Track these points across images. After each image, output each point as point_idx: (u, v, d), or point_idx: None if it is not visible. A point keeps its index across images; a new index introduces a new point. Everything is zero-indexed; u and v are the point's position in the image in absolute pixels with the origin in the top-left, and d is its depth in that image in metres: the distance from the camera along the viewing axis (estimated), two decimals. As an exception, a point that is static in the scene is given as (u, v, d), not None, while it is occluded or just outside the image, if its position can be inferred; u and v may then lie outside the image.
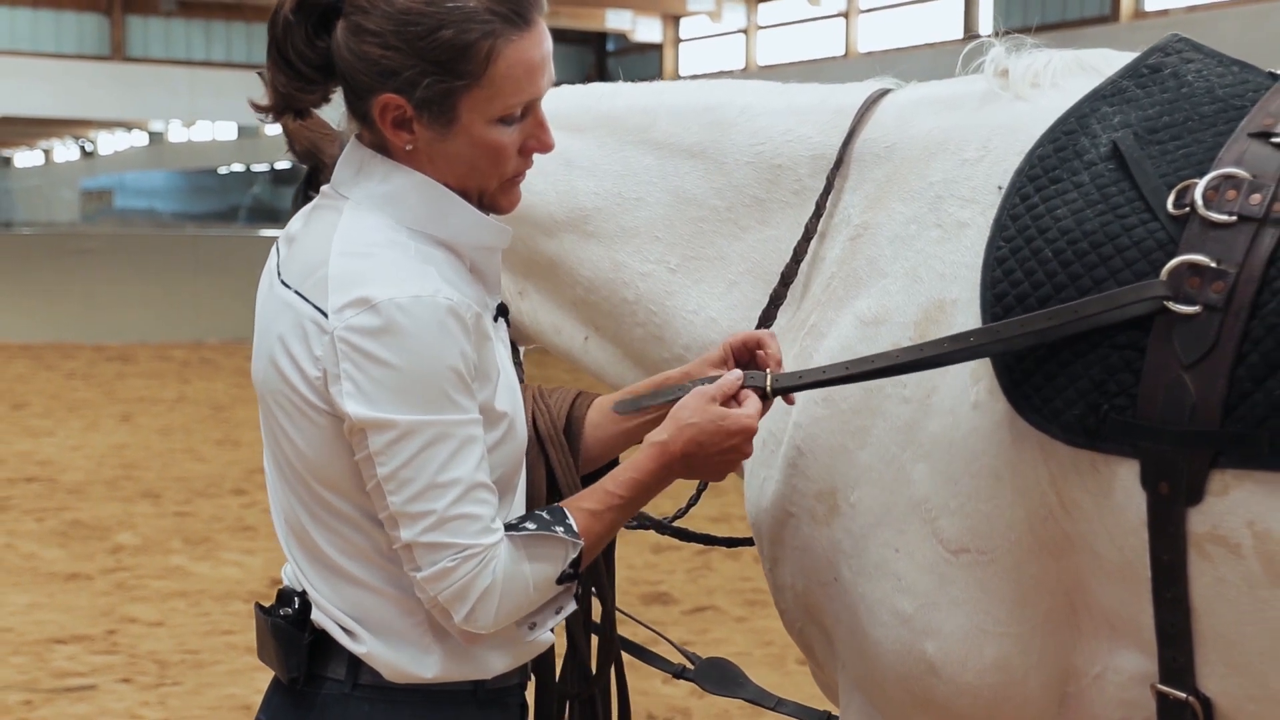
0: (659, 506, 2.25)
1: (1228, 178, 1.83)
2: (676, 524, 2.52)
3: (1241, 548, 1.76)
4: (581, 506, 1.88)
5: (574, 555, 1.84)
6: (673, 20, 27.33)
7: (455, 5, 1.76)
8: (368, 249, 1.80)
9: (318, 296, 1.78)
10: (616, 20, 26.44)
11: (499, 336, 1.92)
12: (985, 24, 20.49)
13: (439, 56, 1.77)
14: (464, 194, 1.87)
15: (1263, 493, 1.74)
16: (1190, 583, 1.80)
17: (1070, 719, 1.97)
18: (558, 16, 23.24)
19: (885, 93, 2.31)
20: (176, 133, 41.17)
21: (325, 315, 1.76)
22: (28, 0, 27.46)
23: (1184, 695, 1.84)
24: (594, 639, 2.27)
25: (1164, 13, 18.24)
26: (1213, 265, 1.78)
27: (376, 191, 1.85)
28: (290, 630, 1.88)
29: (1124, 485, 1.81)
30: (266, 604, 1.93)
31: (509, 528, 1.82)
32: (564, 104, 2.53)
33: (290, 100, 1.88)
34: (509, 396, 1.88)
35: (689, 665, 2.57)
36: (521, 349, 2.58)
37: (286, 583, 1.93)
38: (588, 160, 2.50)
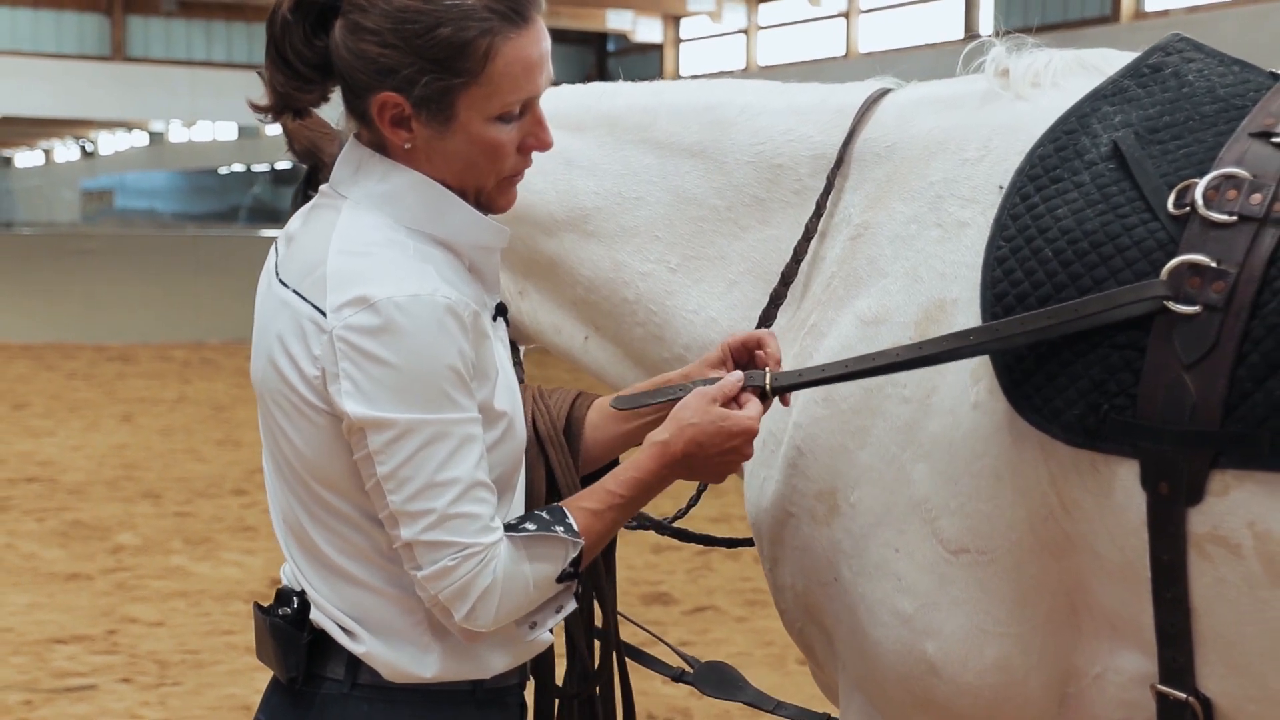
0: (659, 507, 2.24)
1: (1228, 177, 1.83)
2: (676, 524, 2.52)
3: (1242, 548, 1.75)
4: (582, 506, 1.87)
5: (574, 554, 1.84)
6: (673, 20, 27.34)
7: (453, 3, 1.76)
8: (366, 248, 1.80)
9: (316, 295, 1.78)
10: (617, 20, 26.47)
11: (498, 336, 1.92)
12: (986, 24, 20.50)
13: (437, 54, 1.76)
14: (461, 193, 1.87)
15: (1263, 493, 1.73)
16: (1190, 583, 1.79)
17: (1070, 719, 1.97)
18: (558, 16, 23.26)
19: (886, 92, 2.31)
20: (177, 133, 41.22)
21: (324, 314, 1.76)
22: (28, 0, 27.47)
23: (1184, 696, 1.84)
24: (594, 641, 2.27)
25: (1164, 13, 18.25)
26: (1213, 265, 1.77)
27: (375, 190, 1.85)
28: (289, 630, 1.88)
29: (1124, 485, 1.81)
30: (266, 604, 1.93)
31: (509, 528, 1.82)
32: (564, 103, 2.53)
33: (289, 100, 1.88)
34: (508, 396, 1.88)
35: (688, 669, 2.56)
36: (521, 349, 2.58)
37: (285, 582, 1.92)
38: (588, 159, 2.49)
